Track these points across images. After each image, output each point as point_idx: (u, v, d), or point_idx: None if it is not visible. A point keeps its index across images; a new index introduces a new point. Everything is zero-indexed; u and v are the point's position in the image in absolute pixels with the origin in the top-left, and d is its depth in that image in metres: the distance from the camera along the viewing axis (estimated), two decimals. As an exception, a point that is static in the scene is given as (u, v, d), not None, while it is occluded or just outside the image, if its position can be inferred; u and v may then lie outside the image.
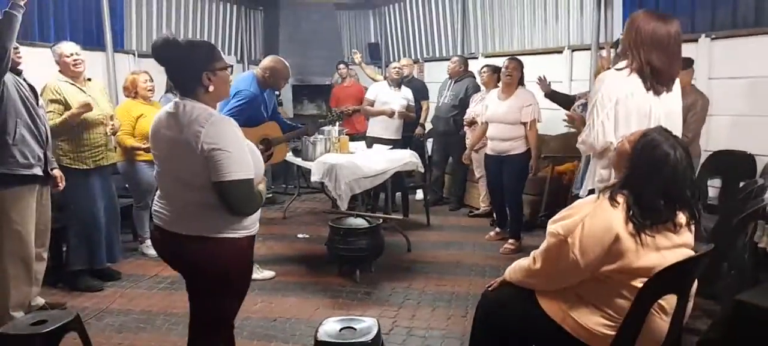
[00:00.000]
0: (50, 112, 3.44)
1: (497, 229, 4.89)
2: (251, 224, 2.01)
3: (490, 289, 2.21)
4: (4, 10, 2.79)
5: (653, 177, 1.80)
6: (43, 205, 3.23)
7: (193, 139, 1.82)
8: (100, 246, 3.83)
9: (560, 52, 5.96)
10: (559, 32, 6.09)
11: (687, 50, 4.44)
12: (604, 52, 3.33)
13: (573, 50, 5.85)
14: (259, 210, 2.04)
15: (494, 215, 5.40)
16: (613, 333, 1.83)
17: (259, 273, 3.82)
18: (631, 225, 1.75)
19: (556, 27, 6.13)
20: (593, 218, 1.78)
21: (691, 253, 1.86)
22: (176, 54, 1.91)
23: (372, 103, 5.72)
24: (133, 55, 6.04)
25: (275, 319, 3.30)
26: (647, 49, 2.27)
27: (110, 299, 3.66)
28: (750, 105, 4.33)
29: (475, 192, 5.98)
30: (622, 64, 2.39)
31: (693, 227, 1.90)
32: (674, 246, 1.83)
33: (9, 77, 2.94)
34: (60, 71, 3.60)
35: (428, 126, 6.51)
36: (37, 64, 3.57)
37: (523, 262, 2.03)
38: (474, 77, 6.05)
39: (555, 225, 1.86)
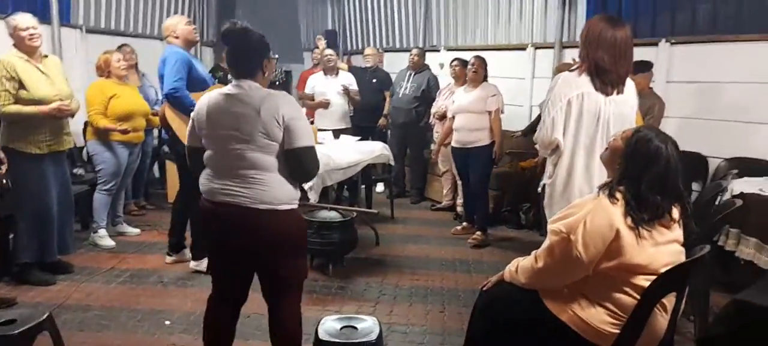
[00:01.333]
0: (5, 91, 3.15)
1: (464, 223, 4.93)
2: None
3: (485, 288, 2.20)
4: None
5: (648, 171, 1.85)
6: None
7: (274, 111, 2.04)
8: (52, 237, 3.55)
9: (523, 48, 6.06)
10: (523, 29, 6.18)
11: (647, 54, 4.66)
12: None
13: (536, 48, 5.96)
14: None
15: (457, 209, 5.46)
16: (617, 331, 1.86)
17: None
18: (629, 219, 1.80)
19: (520, 24, 6.23)
20: (595, 214, 1.82)
21: (682, 249, 1.94)
22: (245, 39, 2.15)
23: (312, 97, 5.59)
24: (81, 29, 5.62)
25: (249, 315, 3.12)
26: (594, 50, 2.38)
27: (65, 293, 3.40)
28: (705, 108, 4.57)
29: (437, 185, 6.01)
30: (576, 65, 2.51)
31: (681, 223, 1.97)
32: (668, 242, 1.89)
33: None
34: (14, 45, 3.29)
35: (389, 118, 6.47)
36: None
37: (524, 262, 2.03)
38: (430, 70, 6.10)
39: (557, 224, 1.88)
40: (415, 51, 6.06)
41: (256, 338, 2.87)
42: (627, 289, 1.85)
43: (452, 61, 5.30)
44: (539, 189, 2.77)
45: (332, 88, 5.52)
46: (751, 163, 4.10)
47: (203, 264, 3.71)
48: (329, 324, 2.08)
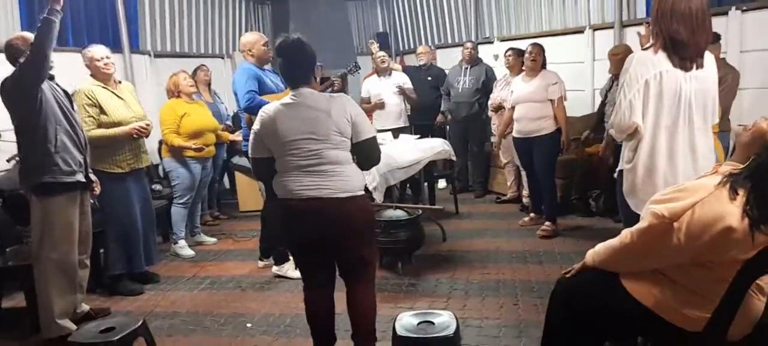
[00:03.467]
0: (89, 116, 3.39)
1: (532, 214, 4.84)
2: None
3: (567, 275, 2.15)
4: (42, 17, 2.73)
5: None
6: (84, 211, 3.18)
7: (343, 111, 2.30)
8: (139, 249, 3.78)
9: (581, 32, 5.89)
10: (579, 11, 6.01)
11: (717, 24, 4.41)
12: (643, 29, 3.24)
13: (594, 30, 5.77)
14: None
15: (523, 200, 5.38)
16: (708, 315, 1.78)
17: (295, 271, 3.75)
18: (746, 220, 1.62)
19: (575, 6, 6.05)
20: (705, 205, 1.67)
21: None
22: (299, 51, 2.35)
23: (369, 100, 5.67)
24: (149, 55, 5.96)
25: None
26: (669, 23, 2.24)
27: (153, 302, 3.61)
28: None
29: (500, 178, 5.94)
30: (650, 43, 2.38)
31: None
32: None
33: (45, 83, 2.88)
34: (91, 75, 3.54)
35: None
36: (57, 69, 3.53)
37: (611, 242, 1.94)
38: (485, 62, 6.05)
39: (659, 206, 1.75)
40: (468, 44, 6.03)
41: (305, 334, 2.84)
42: (727, 279, 1.72)
43: (506, 52, 5.23)
44: (615, 175, 2.67)
45: (386, 88, 5.59)
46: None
47: (284, 268, 3.85)
48: (406, 320, 2.10)
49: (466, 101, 5.86)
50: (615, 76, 4.43)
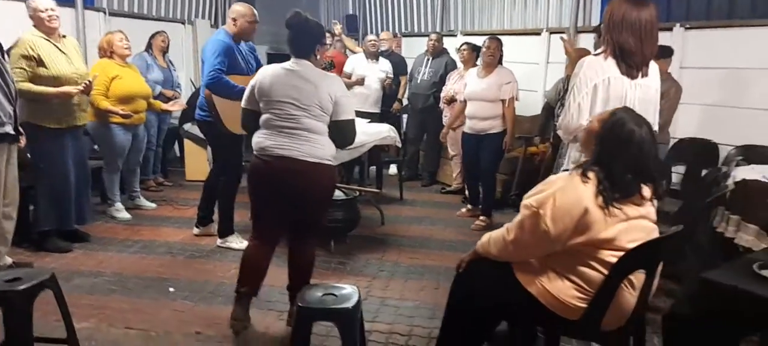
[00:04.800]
0: (20, 68, 3.32)
1: (469, 206, 4.97)
2: (338, 157, 2.75)
3: (462, 263, 2.25)
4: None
5: (622, 153, 1.90)
6: (11, 163, 3.15)
7: (329, 89, 2.54)
8: (70, 207, 3.75)
9: (538, 33, 6.02)
10: (539, 13, 6.15)
11: (662, 39, 4.58)
12: (565, 35, 3.33)
13: (551, 33, 5.91)
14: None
15: (466, 192, 5.50)
16: (584, 305, 1.91)
17: (239, 243, 3.79)
18: (600, 198, 1.84)
19: (536, 8, 6.19)
20: (564, 191, 1.87)
21: (653, 224, 1.97)
22: (303, 24, 2.59)
23: (349, 76, 5.73)
24: (104, 12, 5.82)
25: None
26: (619, 32, 2.33)
27: (79, 260, 3.59)
28: (718, 95, 4.49)
29: (448, 169, 6.05)
30: (600, 49, 2.47)
31: (655, 202, 2.00)
32: (638, 217, 1.93)
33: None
34: (34, 26, 3.46)
35: (405, 102, 6.52)
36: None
37: (496, 234, 2.08)
38: (449, 54, 6.10)
39: (529, 199, 1.94)
40: (433, 36, 6.10)
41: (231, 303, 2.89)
42: (594, 264, 1.90)
43: (461, 46, 5.31)
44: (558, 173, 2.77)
45: (373, 72, 5.76)
46: (762, 150, 4.02)
47: (229, 241, 3.85)
48: (309, 292, 2.17)
49: (423, 93, 5.94)
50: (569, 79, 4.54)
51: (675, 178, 4.47)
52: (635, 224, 1.90)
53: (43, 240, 3.69)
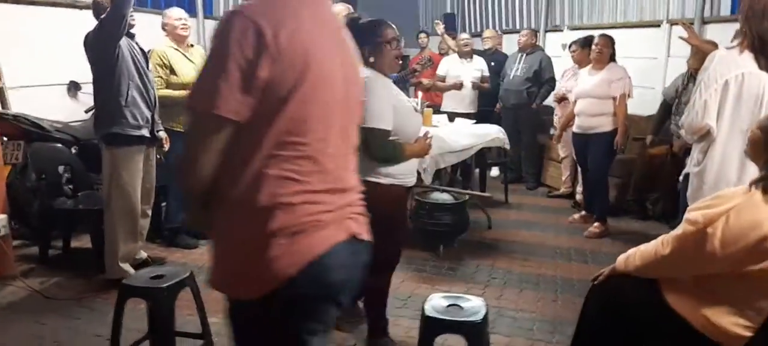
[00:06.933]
0: (157, 76, 3.59)
1: (583, 212, 4.73)
2: (398, 174, 2.40)
3: (596, 281, 2.12)
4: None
5: None
6: (150, 165, 3.40)
7: (361, 88, 2.32)
8: (197, 206, 3.99)
9: (657, 25, 5.60)
10: (657, 3, 5.70)
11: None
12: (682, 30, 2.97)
13: (672, 24, 5.47)
14: (413, 166, 2.51)
15: (576, 197, 5.25)
16: (750, 334, 1.72)
17: None
18: None
19: (654, -2, 5.76)
20: (740, 211, 1.66)
21: None
22: (351, 27, 2.31)
23: (443, 79, 5.66)
24: (221, 21, 6.17)
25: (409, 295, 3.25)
26: (759, 22, 2.11)
27: (206, 257, 3.79)
28: None
29: (554, 171, 5.81)
30: (735, 42, 2.24)
31: None
32: None
33: (123, 40, 3.07)
34: (167, 36, 3.73)
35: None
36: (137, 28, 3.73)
37: (647, 247, 1.92)
38: (544, 51, 5.89)
39: (695, 212, 1.74)
40: (524, 32, 5.94)
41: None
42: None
43: (570, 46, 5.07)
44: (680, 177, 2.58)
45: (467, 73, 5.63)
46: None
47: None
48: (436, 301, 2.14)
49: (515, 89, 5.76)
50: (691, 75, 4.19)
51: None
52: None
53: (173, 236, 3.97)
